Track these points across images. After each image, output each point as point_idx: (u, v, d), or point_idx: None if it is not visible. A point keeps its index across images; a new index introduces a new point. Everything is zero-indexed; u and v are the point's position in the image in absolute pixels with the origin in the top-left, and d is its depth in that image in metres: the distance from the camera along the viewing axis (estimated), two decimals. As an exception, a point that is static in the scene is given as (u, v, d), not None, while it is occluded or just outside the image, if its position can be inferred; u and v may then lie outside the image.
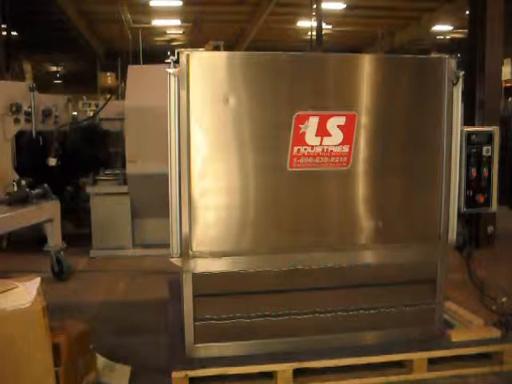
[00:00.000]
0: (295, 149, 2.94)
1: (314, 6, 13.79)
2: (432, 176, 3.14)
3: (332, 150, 2.98)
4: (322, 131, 2.95)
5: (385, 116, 3.06)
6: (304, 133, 2.93)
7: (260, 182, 3.00)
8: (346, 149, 2.99)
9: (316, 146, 2.95)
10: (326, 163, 2.99)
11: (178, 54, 2.80)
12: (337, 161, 3.00)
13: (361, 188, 3.09)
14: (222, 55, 2.93)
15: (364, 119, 3.00)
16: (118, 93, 10.66)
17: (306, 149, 2.95)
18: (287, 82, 2.96)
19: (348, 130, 2.98)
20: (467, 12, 6.37)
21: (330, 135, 2.96)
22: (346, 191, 3.09)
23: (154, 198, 4.52)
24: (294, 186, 3.02)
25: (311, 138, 2.94)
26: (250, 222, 3.00)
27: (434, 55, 3.24)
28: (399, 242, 3.17)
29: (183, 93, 2.82)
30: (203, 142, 2.90)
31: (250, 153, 2.95)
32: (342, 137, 2.98)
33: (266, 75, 2.95)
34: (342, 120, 2.96)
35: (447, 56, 3.08)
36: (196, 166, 2.88)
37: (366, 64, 3.04)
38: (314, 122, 2.93)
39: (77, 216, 6.46)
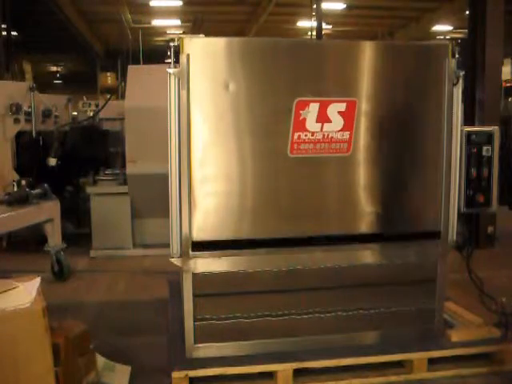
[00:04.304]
0: (296, 135, 2.93)
1: (314, 6, 13.79)
2: (433, 161, 3.13)
3: (332, 137, 2.97)
4: (323, 117, 2.94)
5: (385, 103, 3.05)
6: (304, 119, 2.93)
7: (260, 168, 2.99)
8: (346, 135, 2.99)
9: (316, 132, 2.95)
10: (327, 149, 2.98)
11: (179, 40, 2.79)
12: (337, 147, 2.99)
13: (361, 175, 3.08)
14: (221, 41, 2.91)
15: (364, 106, 3.00)
16: (118, 93, 10.66)
17: (306, 135, 2.94)
18: (288, 68, 2.94)
19: (348, 117, 2.97)
20: (467, 12, 6.37)
21: (330, 121, 2.96)
22: (347, 178, 3.08)
23: (154, 198, 4.52)
24: (295, 172, 3.01)
25: (312, 124, 2.94)
26: (250, 208, 2.99)
27: (435, 41, 3.22)
28: (399, 229, 3.16)
29: (183, 93, 2.82)
30: (203, 129, 2.88)
31: (250, 139, 2.95)
32: (342, 123, 2.97)
33: (267, 61, 2.93)
34: (342, 106, 2.96)
35: (448, 42, 3.07)
36: (196, 155, 2.87)
37: (367, 50, 3.03)
38: (314, 108, 2.93)
39: (77, 216, 6.46)
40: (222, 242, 3.00)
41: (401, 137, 3.13)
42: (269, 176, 3.00)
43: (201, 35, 2.88)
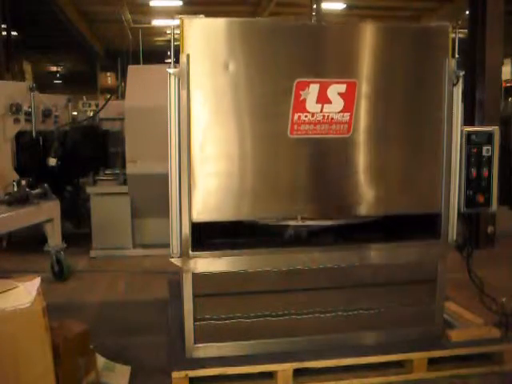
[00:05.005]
0: (296, 116, 2.93)
1: (314, 6, 13.79)
2: (432, 145, 3.12)
3: (333, 118, 2.97)
4: (323, 98, 2.94)
5: (386, 84, 3.04)
6: (304, 100, 2.92)
7: (260, 149, 2.98)
8: (346, 116, 2.98)
9: (317, 113, 2.94)
10: (327, 130, 2.98)
11: (180, 21, 2.80)
12: (337, 128, 2.98)
13: (361, 156, 3.07)
14: (221, 22, 2.90)
15: (365, 87, 2.99)
16: (118, 93, 10.67)
17: (306, 116, 2.94)
18: (288, 49, 2.93)
19: (349, 98, 2.97)
20: (467, 12, 6.37)
21: (330, 102, 2.95)
22: (347, 159, 3.06)
23: (153, 198, 4.52)
24: (295, 153, 3.00)
25: (312, 105, 2.93)
26: (249, 189, 2.98)
27: (434, 24, 3.19)
28: (400, 211, 3.16)
29: (183, 92, 2.82)
30: (203, 110, 2.87)
31: (250, 120, 2.94)
32: (342, 104, 2.96)
33: (267, 42, 2.93)
34: (342, 87, 2.95)
35: (448, 24, 3.06)
36: (196, 137, 2.87)
37: (367, 32, 3.01)
38: (314, 89, 2.92)
39: (77, 216, 6.46)
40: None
41: (401, 118, 3.11)
42: (269, 157, 2.99)
43: (201, 16, 2.87)
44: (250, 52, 2.91)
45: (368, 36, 3.01)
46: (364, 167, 3.07)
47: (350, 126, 2.99)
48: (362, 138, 3.03)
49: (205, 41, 2.85)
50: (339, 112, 2.96)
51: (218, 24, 2.89)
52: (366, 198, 3.09)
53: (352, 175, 3.07)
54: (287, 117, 2.92)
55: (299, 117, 2.93)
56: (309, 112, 2.93)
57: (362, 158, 3.07)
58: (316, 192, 3.08)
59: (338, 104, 2.96)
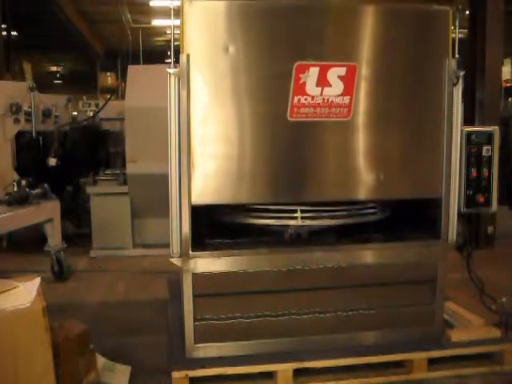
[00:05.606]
0: (295, 98, 2.92)
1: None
2: (432, 129, 3.11)
3: (332, 101, 2.96)
4: (323, 81, 2.93)
5: (386, 67, 3.03)
6: (304, 83, 2.92)
7: (260, 132, 2.97)
8: (346, 100, 2.97)
9: (316, 96, 2.94)
10: (327, 114, 2.97)
11: (180, 3, 2.79)
12: (337, 112, 2.98)
13: (361, 140, 3.06)
14: (221, 4, 2.88)
15: (365, 71, 2.98)
16: (118, 93, 10.67)
17: (306, 99, 2.93)
18: (288, 32, 2.93)
19: (348, 81, 2.96)
20: (467, 12, 6.37)
21: (330, 86, 2.94)
22: (347, 142, 3.06)
23: (153, 198, 4.52)
24: (294, 136, 2.99)
25: (312, 88, 2.93)
26: (248, 172, 2.98)
27: (436, 6, 3.19)
28: (399, 196, 3.17)
29: (183, 92, 2.82)
30: (203, 93, 2.86)
31: (250, 103, 2.93)
32: (342, 87, 2.96)
33: (267, 24, 2.91)
34: (342, 71, 2.94)
35: (449, 8, 3.05)
36: (196, 120, 2.86)
37: (367, 15, 3.00)
38: (314, 72, 2.91)
39: (77, 216, 6.46)
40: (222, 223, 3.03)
41: (401, 102, 3.11)
42: (268, 140, 2.98)
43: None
44: (250, 34, 2.90)
45: (368, 19, 3.00)
46: (363, 151, 3.06)
47: (350, 110, 2.99)
48: (361, 121, 3.02)
49: (205, 23, 2.84)
50: (339, 95, 2.96)
51: (218, 6, 2.88)
52: (366, 182, 3.08)
53: (352, 158, 3.06)
54: (287, 100, 2.92)
55: (299, 100, 2.92)
56: (309, 95, 2.93)
57: (361, 142, 3.06)
58: (315, 176, 3.07)
59: (337, 87, 2.95)
